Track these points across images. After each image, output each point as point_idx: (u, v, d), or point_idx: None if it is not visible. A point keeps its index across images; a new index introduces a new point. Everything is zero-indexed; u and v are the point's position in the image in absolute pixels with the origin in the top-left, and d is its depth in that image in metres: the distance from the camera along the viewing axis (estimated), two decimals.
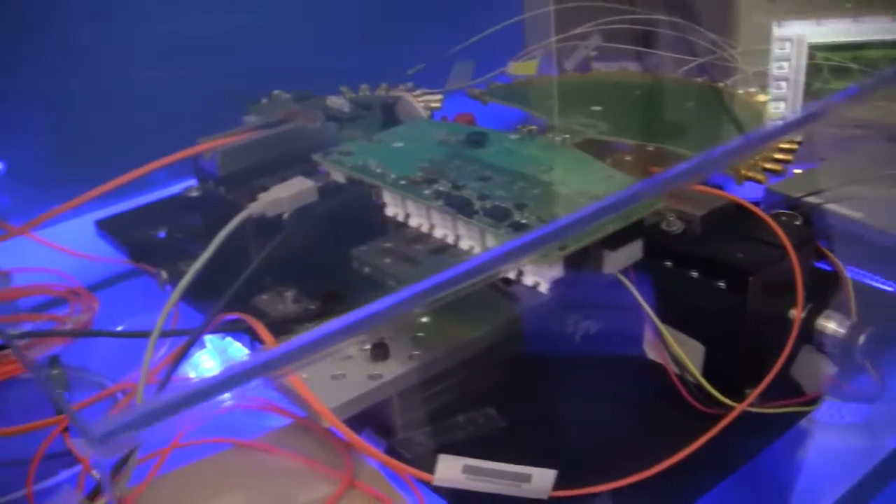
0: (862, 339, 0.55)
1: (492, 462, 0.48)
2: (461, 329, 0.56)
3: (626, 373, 0.58)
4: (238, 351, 0.64)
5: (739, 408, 0.52)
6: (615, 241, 0.55)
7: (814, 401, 0.55)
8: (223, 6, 0.93)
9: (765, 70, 0.81)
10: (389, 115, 0.82)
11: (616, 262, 0.55)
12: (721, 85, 0.82)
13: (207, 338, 0.63)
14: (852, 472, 0.52)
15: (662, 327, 0.55)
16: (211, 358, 0.65)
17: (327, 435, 0.53)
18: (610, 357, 0.59)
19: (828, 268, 0.60)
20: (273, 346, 0.53)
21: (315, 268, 0.66)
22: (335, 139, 0.76)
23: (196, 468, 0.53)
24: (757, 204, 0.59)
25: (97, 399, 0.61)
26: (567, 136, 0.70)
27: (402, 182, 0.64)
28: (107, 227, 0.81)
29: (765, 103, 0.77)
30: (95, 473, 0.54)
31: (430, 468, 0.48)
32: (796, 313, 0.54)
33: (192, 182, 0.80)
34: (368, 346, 0.54)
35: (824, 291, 0.57)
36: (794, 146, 0.67)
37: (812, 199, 0.66)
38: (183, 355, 0.57)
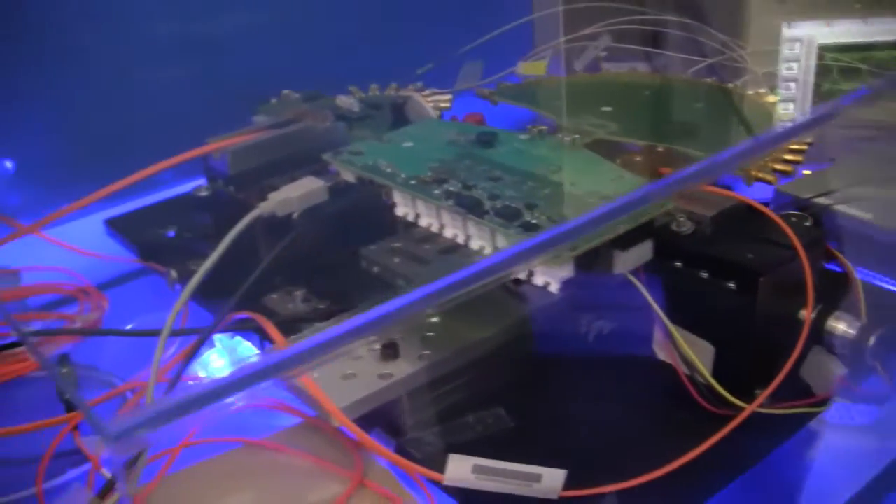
0: (872, 340, 0.55)
1: (502, 462, 0.48)
2: (471, 329, 0.56)
3: (636, 373, 0.58)
4: (248, 350, 0.64)
5: (749, 409, 0.52)
6: (626, 241, 0.55)
7: (823, 402, 0.55)
8: (232, 6, 0.93)
9: (774, 71, 0.81)
10: (399, 115, 0.82)
11: (626, 262, 0.55)
12: (731, 86, 0.82)
13: (217, 337, 0.63)
14: (862, 474, 0.52)
15: (672, 328, 0.55)
16: (220, 357, 0.65)
17: (337, 434, 0.53)
18: (619, 357, 0.59)
19: (837, 269, 0.60)
20: (284, 346, 0.53)
21: (324, 267, 0.66)
22: (345, 139, 0.76)
23: (206, 467, 0.53)
24: (766, 205, 0.59)
25: (107, 398, 0.61)
26: (577, 136, 0.70)
27: (413, 182, 0.64)
28: (116, 226, 0.81)
29: (774, 104, 0.77)
30: (105, 472, 0.54)
31: (440, 468, 0.48)
32: (807, 314, 0.54)
33: (200, 181, 0.80)
34: (378, 346, 0.54)
35: (834, 293, 0.57)
36: (805, 147, 0.67)
37: (821, 200, 0.66)
38: (193, 354, 0.57)
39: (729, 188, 0.62)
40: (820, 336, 0.56)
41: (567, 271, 0.55)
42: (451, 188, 0.63)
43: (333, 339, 0.30)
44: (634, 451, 0.52)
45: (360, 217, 0.67)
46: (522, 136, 0.71)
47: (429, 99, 0.82)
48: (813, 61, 0.79)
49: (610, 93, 0.82)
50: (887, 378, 0.55)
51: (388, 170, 0.66)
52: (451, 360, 0.55)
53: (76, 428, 0.58)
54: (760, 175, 0.65)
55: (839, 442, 0.55)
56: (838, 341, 0.55)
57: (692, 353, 0.55)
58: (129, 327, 0.68)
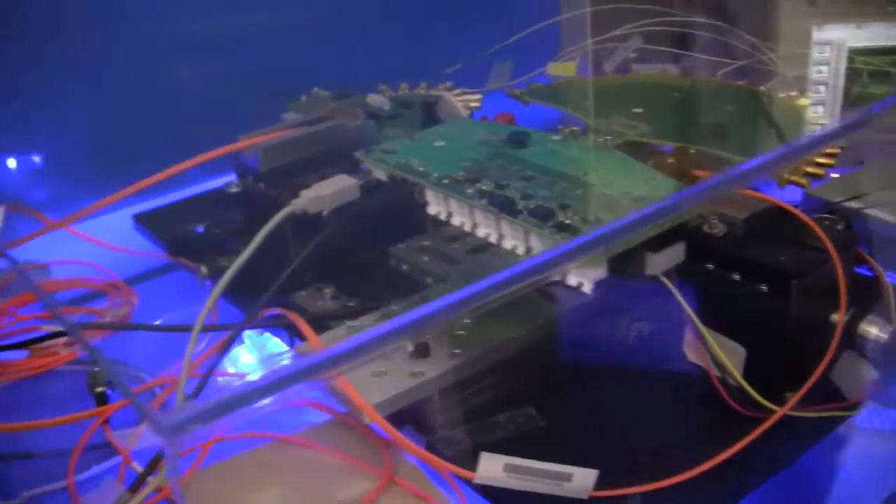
0: None
1: (533, 461, 0.48)
2: (502, 328, 0.56)
3: (666, 374, 0.58)
4: (277, 347, 0.64)
5: (780, 412, 0.52)
6: (658, 243, 0.55)
7: (854, 406, 0.55)
8: (264, 4, 0.93)
9: (804, 74, 0.81)
10: (429, 114, 0.82)
11: (658, 264, 0.55)
12: (761, 88, 0.82)
13: (245, 333, 0.63)
14: (892, 479, 0.52)
15: (704, 330, 0.55)
16: (249, 353, 0.66)
17: (367, 431, 0.53)
18: (650, 358, 0.59)
19: (867, 273, 0.60)
20: (315, 343, 0.53)
21: (353, 265, 0.66)
22: (375, 137, 0.76)
23: (236, 462, 0.53)
24: (795, 207, 0.59)
25: (136, 393, 0.61)
26: (609, 137, 0.70)
27: (445, 181, 0.65)
28: (144, 222, 0.81)
29: (805, 107, 0.77)
30: (136, 465, 0.54)
31: (470, 466, 0.48)
32: (839, 318, 0.54)
33: (226, 178, 0.80)
34: (410, 345, 0.55)
35: (864, 296, 0.57)
36: (837, 150, 0.67)
37: (851, 204, 0.66)
38: (226, 349, 0.57)
39: (759, 190, 0.62)
40: (851, 340, 0.55)
41: (600, 272, 0.55)
42: (484, 187, 0.63)
43: (386, 334, 0.30)
44: (664, 452, 0.52)
45: (390, 215, 0.67)
46: (554, 137, 0.71)
47: (459, 98, 0.82)
48: (843, 65, 0.79)
49: (640, 94, 0.82)
50: None
51: (421, 169, 0.67)
52: (483, 358, 0.55)
53: (107, 422, 0.58)
54: (792, 178, 0.65)
55: (869, 446, 0.55)
56: (870, 345, 0.55)
57: (723, 356, 0.55)
58: (157, 322, 0.68)
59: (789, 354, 0.54)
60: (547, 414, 0.55)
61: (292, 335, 0.61)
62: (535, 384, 0.57)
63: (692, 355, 0.58)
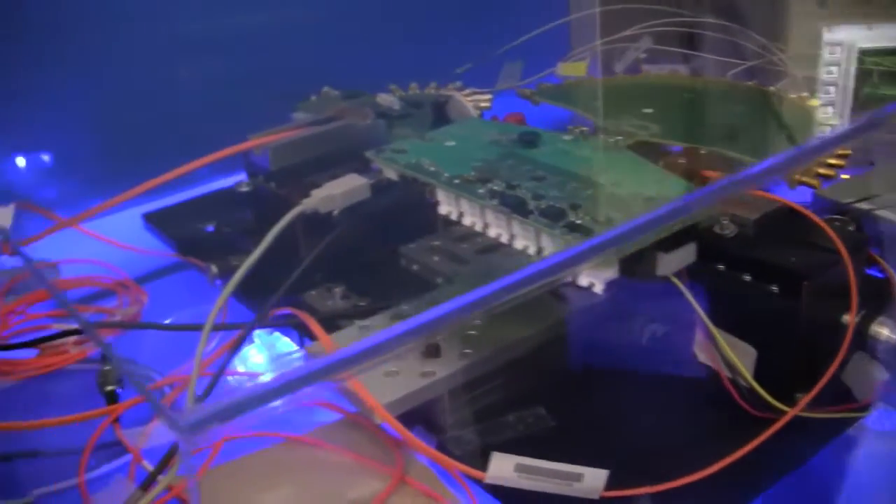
0: None
1: (544, 461, 0.48)
2: (513, 328, 0.56)
3: (677, 375, 0.58)
4: (286, 346, 0.64)
5: (791, 413, 0.52)
6: (669, 243, 0.55)
7: (865, 407, 0.55)
8: (273, 3, 0.93)
9: (814, 75, 0.81)
10: (439, 114, 0.82)
11: (670, 264, 0.55)
12: (772, 89, 0.81)
13: (255, 332, 0.63)
14: None
15: (715, 330, 0.55)
16: (259, 352, 0.66)
17: (377, 431, 0.53)
18: (661, 359, 0.59)
19: (879, 274, 0.60)
20: (326, 342, 0.53)
21: (364, 264, 0.66)
22: (385, 137, 0.76)
23: (247, 461, 0.53)
24: (806, 208, 0.59)
25: (143, 399, 0.61)
26: (620, 137, 0.70)
27: (457, 181, 0.65)
28: (154, 221, 0.82)
29: (817, 108, 0.77)
30: (146, 464, 0.54)
31: (480, 466, 0.48)
32: (850, 319, 0.54)
33: (234, 177, 0.80)
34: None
35: (875, 298, 0.57)
36: (848, 151, 0.67)
37: (861, 205, 0.66)
38: (237, 348, 0.57)
39: (771, 191, 0.62)
40: (863, 341, 0.55)
41: (611, 272, 0.55)
42: (495, 188, 0.63)
43: (402, 335, 0.30)
44: (675, 452, 0.52)
45: (401, 215, 0.67)
46: (565, 137, 0.71)
47: (469, 98, 0.82)
48: (853, 65, 0.79)
49: (651, 94, 0.82)
50: None
51: (432, 168, 0.67)
52: (493, 358, 0.55)
53: (117, 420, 0.58)
54: (803, 179, 0.65)
55: (880, 447, 0.55)
56: (881, 347, 0.55)
57: (734, 356, 0.55)
58: (167, 321, 0.68)
59: (800, 355, 0.54)
60: (557, 414, 0.55)
61: (302, 334, 0.61)
62: (545, 384, 0.57)
63: (703, 356, 0.58)
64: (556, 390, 0.57)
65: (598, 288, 0.55)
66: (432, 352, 0.54)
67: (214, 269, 0.69)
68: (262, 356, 0.65)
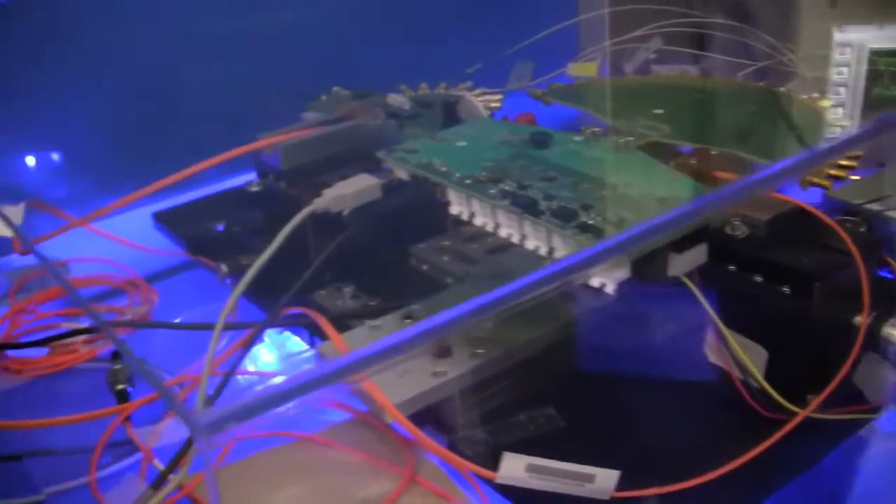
0: None
1: (555, 461, 0.48)
2: (524, 328, 0.56)
3: (688, 376, 0.58)
4: (296, 345, 0.64)
5: (803, 414, 0.52)
6: (681, 244, 0.55)
7: (876, 409, 0.55)
8: (283, 3, 0.93)
9: (824, 75, 0.80)
10: (449, 114, 0.82)
11: (681, 265, 0.55)
12: (782, 89, 0.81)
13: (265, 332, 0.64)
14: None
15: (726, 331, 0.55)
16: (269, 352, 0.66)
17: (387, 430, 0.53)
18: (671, 360, 0.59)
19: (890, 276, 0.60)
20: (338, 342, 0.53)
21: (374, 264, 0.66)
22: (395, 137, 0.76)
23: (258, 460, 0.54)
24: (816, 209, 0.59)
25: (155, 397, 0.61)
26: (631, 138, 0.70)
27: (468, 181, 0.65)
28: (164, 220, 0.82)
29: (827, 109, 0.77)
30: (157, 463, 0.54)
31: (491, 466, 0.48)
32: (862, 320, 0.54)
33: (243, 176, 0.80)
34: None
35: (887, 299, 0.57)
36: (860, 153, 0.67)
37: (872, 206, 0.66)
38: (249, 347, 0.57)
39: (782, 192, 0.62)
40: (874, 343, 0.55)
41: (623, 273, 0.55)
42: (507, 188, 0.63)
43: (421, 334, 0.30)
44: (685, 453, 0.52)
45: (411, 215, 0.67)
46: (576, 138, 0.71)
47: (479, 98, 0.82)
48: (864, 66, 0.79)
49: (661, 95, 0.82)
50: None
51: (443, 168, 0.67)
52: (504, 358, 0.54)
53: (128, 419, 0.58)
54: (815, 180, 0.65)
55: (891, 449, 0.55)
56: (893, 348, 0.55)
57: (745, 357, 0.55)
58: (177, 320, 0.68)
59: (811, 357, 0.54)
60: (567, 414, 0.55)
61: (312, 334, 0.61)
62: (556, 385, 0.57)
63: (714, 357, 0.58)
64: (567, 391, 0.56)
65: (610, 288, 0.55)
66: (443, 352, 0.54)
67: (225, 268, 0.69)
68: (273, 355, 0.66)
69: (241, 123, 0.77)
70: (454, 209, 0.66)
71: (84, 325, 0.69)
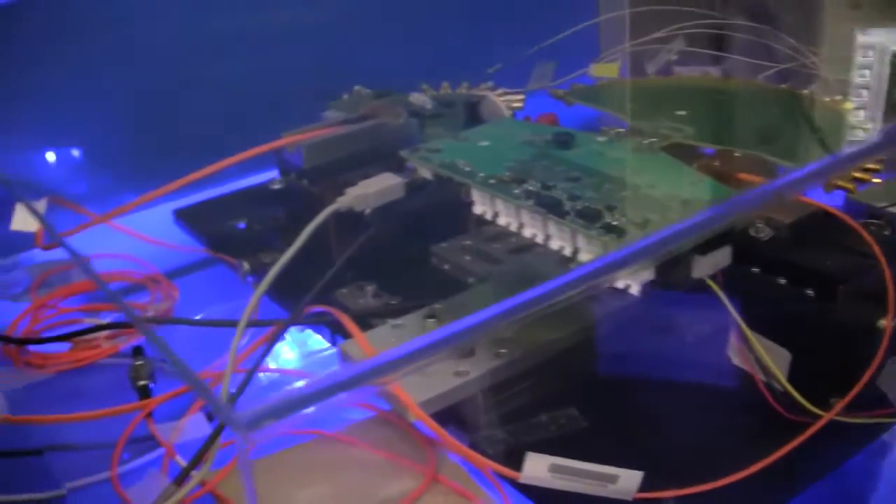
0: None
1: (579, 461, 0.48)
2: (547, 329, 0.56)
3: (710, 377, 0.58)
4: (318, 343, 0.65)
5: (827, 417, 0.52)
6: (705, 245, 0.55)
7: None
8: (305, 1, 0.94)
9: (847, 77, 0.80)
10: (471, 114, 0.82)
11: (705, 266, 0.55)
12: (805, 92, 0.81)
13: (287, 330, 0.64)
14: None
15: (750, 334, 0.55)
16: (290, 349, 0.66)
17: (409, 429, 0.53)
18: (694, 361, 0.59)
19: None
20: (361, 341, 0.53)
21: (395, 263, 0.66)
22: (417, 136, 0.76)
23: (280, 457, 0.54)
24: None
25: (177, 394, 0.61)
26: (654, 139, 0.70)
27: (492, 181, 0.65)
28: (184, 217, 0.82)
29: (851, 111, 0.76)
30: (179, 459, 0.55)
31: (513, 465, 0.48)
32: (886, 323, 0.54)
33: (263, 174, 0.81)
34: None
35: None
36: (884, 157, 0.67)
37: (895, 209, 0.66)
38: (272, 345, 0.57)
39: (806, 195, 0.62)
40: None
41: (648, 274, 0.55)
42: (531, 188, 0.63)
43: (457, 333, 0.30)
44: (708, 455, 0.52)
45: (434, 214, 0.67)
46: (599, 138, 0.71)
47: (501, 98, 0.82)
48: (886, 69, 0.78)
49: (683, 96, 0.82)
50: None
51: (467, 168, 0.67)
52: (527, 358, 0.54)
53: (150, 415, 0.58)
54: (840, 183, 0.65)
55: None
56: None
57: (769, 359, 0.55)
58: (198, 317, 0.68)
59: (835, 359, 0.54)
60: (589, 415, 0.55)
61: (334, 332, 0.61)
62: (578, 385, 0.57)
63: (737, 359, 0.58)
64: (589, 391, 0.56)
65: (635, 289, 0.55)
66: (466, 351, 0.54)
67: (246, 266, 0.69)
68: (294, 353, 0.66)
69: (262, 122, 0.77)
70: (478, 209, 0.66)
71: (106, 320, 0.70)
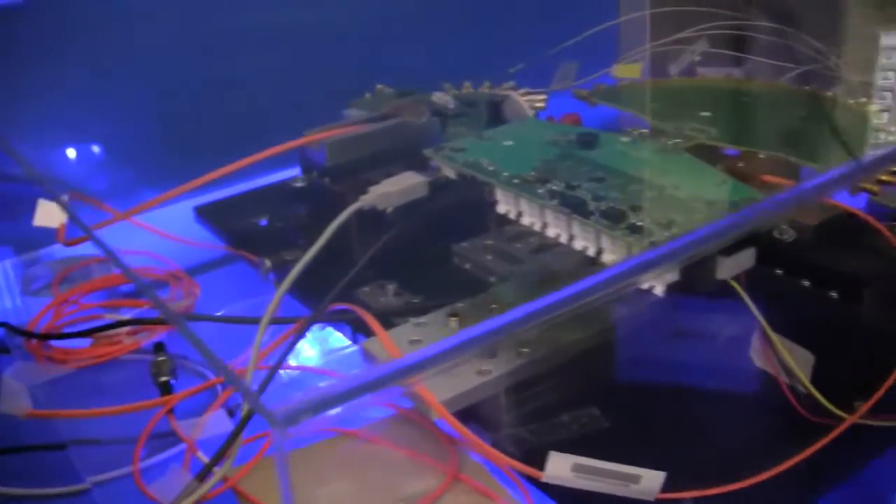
0: None
1: (602, 461, 0.48)
2: (570, 329, 0.56)
3: (733, 379, 0.58)
4: (339, 341, 0.65)
5: (850, 419, 0.51)
6: (729, 247, 0.55)
7: None
8: (327, 1, 0.94)
9: (870, 80, 0.80)
10: (494, 113, 0.82)
11: (729, 268, 0.55)
12: (830, 94, 0.81)
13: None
14: None
15: (774, 336, 0.55)
16: (311, 347, 0.66)
17: (431, 427, 0.53)
18: (717, 363, 0.59)
19: None
20: (384, 339, 0.53)
21: (417, 262, 0.66)
22: (440, 135, 0.76)
23: (301, 454, 0.54)
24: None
25: (199, 390, 0.62)
26: (678, 140, 0.70)
27: (516, 181, 0.65)
28: (205, 214, 0.82)
29: (876, 114, 0.76)
30: (201, 455, 0.55)
31: (535, 464, 0.48)
32: None
33: (284, 172, 0.81)
34: None
35: None
36: None
37: None
38: (295, 342, 0.57)
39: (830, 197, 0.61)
40: None
41: (672, 274, 0.54)
42: (555, 188, 0.63)
43: (493, 331, 0.30)
44: (730, 456, 0.52)
45: (456, 213, 0.68)
46: (623, 139, 0.71)
47: (524, 98, 0.82)
48: None
49: (707, 97, 0.81)
50: None
51: (491, 168, 0.67)
52: (549, 358, 0.55)
53: (171, 411, 0.59)
54: (866, 185, 0.65)
55: None
56: None
57: (792, 361, 0.55)
58: (219, 314, 0.69)
59: (859, 362, 0.54)
60: (611, 415, 0.55)
61: (355, 330, 0.61)
62: (600, 385, 0.57)
63: (759, 361, 0.58)
64: (611, 391, 0.56)
65: (659, 290, 0.55)
66: (489, 350, 0.54)
67: (268, 263, 0.69)
68: (315, 351, 0.66)
69: (284, 120, 0.77)
70: (501, 208, 0.65)
71: (127, 316, 0.70)
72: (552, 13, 1.04)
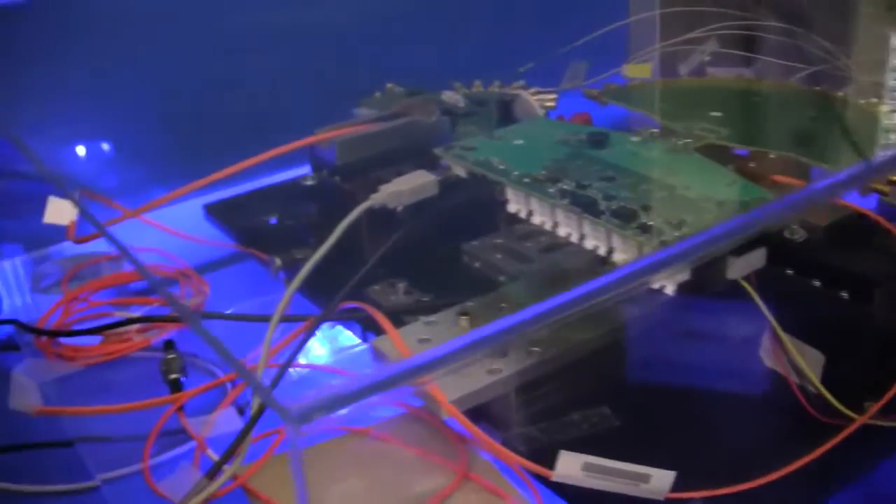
0: None
1: (612, 460, 0.48)
2: (580, 328, 0.56)
3: (743, 379, 0.58)
4: (349, 339, 0.65)
5: (861, 420, 0.51)
6: (740, 247, 0.55)
7: None
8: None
9: (881, 80, 0.80)
10: (504, 113, 0.82)
11: (740, 267, 0.55)
12: (840, 94, 0.81)
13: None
14: None
15: (784, 336, 0.55)
16: (321, 345, 0.66)
17: (441, 426, 0.53)
18: (727, 363, 0.59)
19: None
20: (395, 337, 0.53)
21: (426, 260, 0.66)
22: (450, 134, 0.76)
23: (311, 452, 0.54)
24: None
25: (208, 388, 0.62)
26: (689, 140, 0.70)
27: (527, 180, 0.65)
28: (215, 212, 0.82)
29: (887, 114, 0.76)
30: (211, 453, 0.55)
31: (544, 463, 0.48)
32: None
33: (294, 170, 0.81)
34: None
35: None
36: None
37: None
38: (305, 340, 0.57)
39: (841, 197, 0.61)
40: None
41: (684, 274, 0.54)
42: (566, 187, 0.63)
43: (507, 329, 0.30)
44: (740, 456, 0.52)
45: (466, 212, 0.68)
46: (633, 138, 0.71)
47: (534, 97, 0.82)
48: None
49: (717, 97, 0.82)
50: None
51: (501, 167, 0.67)
52: (560, 357, 0.55)
53: (181, 408, 0.59)
54: (876, 186, 0.65)
55: None
56: None
57: (802, 361, 0.55)
58: (229, 312, 0.69)
59: (869, 362, 0.54)
60: (621, 415, 0.55)
61: (365, 328, 0.61)
62: (610, 384, 0.57)
63: (769, 360, 0.58)
64: (621, 390, 0.56)
65: (670, 289, 0.55)
66: (499, 349, 0.54)
67: (279, 261, 0.69)
68: (324, 349, 0.66)
69: (294, 118, 0.77)
70: (512, 207, 0.66)
71: (136, 314, 0.70)
72: (562, 13, 1.04)
